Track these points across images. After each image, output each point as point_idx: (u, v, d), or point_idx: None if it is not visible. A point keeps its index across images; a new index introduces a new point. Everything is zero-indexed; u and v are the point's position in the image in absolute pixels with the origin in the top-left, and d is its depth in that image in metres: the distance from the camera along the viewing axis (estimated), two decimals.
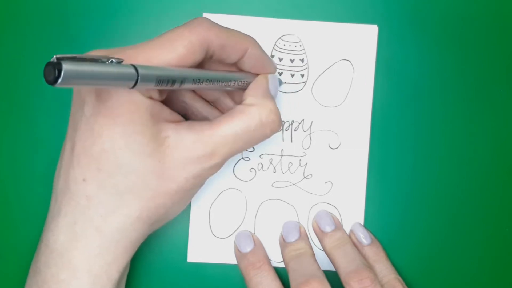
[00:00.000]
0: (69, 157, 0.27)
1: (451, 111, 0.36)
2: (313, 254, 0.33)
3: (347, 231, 0.35)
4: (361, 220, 0.36)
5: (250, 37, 0.30)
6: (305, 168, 0.36)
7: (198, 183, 0.28)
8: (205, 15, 0.35)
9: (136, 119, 0.26)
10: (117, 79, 0.22)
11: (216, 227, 0.35)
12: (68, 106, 0.35)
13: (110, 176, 0.26)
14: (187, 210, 0.35)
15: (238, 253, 0.34)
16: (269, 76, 0.31)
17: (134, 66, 0.23)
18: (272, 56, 0.35)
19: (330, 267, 0.33)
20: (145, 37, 0.35)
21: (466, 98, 0.36)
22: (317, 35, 0.35)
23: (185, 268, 0.35)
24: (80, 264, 0.27)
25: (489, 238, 0.36)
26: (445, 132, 0.36)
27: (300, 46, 0.35)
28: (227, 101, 0.33)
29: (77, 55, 0.22)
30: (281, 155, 0.36)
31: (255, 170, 0.36)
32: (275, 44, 0.35)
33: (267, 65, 0.31)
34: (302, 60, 0.35)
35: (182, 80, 0.26)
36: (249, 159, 0.35)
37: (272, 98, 0.30)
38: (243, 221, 0.36)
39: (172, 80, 0.25)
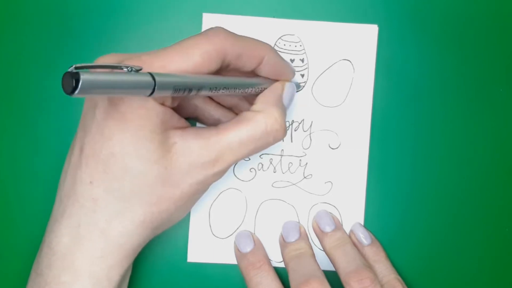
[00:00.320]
0: (78, 158, 0.27)
1: (451, 111, 0.36)
2: (313, 254, 0.33)
3: (347, 231, 0.35)
4: (361, 220, 0.36)
5: (267, 44, 0.30)
6: (305, 168, 0.36)
7: (201, 189, 0.28)
8: (205, 15, 0.35)
9: (146, 125, 0.26)
10: (135, 88, 0.22)
11: (216, 227, 0.35)
12: (70, 106, 0.35)
13: (117, 180, 0.26)
14: None
15: (238, 253, 0.34)
16: (286, 84, 0.31)
17: (151, 74, 0.23)
18: None
19: (330, 267, 0.33)
20: (145, 37, 0.35)
21: (466, 98, 0.36)
22: (317, 35, 0.35)
23: (185, 268, 0.35)
24: (82, 267, 0.27)
25: (489, 238, 0.36)
26: (445, 132, 0.36)
27: (300, 46, 0.35)
28: (246, 106, 0.33)
29: (96, 64, 0.22)
30: (281, 155, 0.36)
31: (255, 170, 0.36)
32: (275, 44, 0.35)
33: (285, 71, 0.31)
34: (302, 60, 0.35)
35: (199, 88, 0.26)
36: (249, 159, 0.35)
37: (281, 106, 0.30)
38: (243, 221, 0.36)
39: (189, 88, 0.25)
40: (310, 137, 0.36)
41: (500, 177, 0.36)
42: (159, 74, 0.23)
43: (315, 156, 0.36)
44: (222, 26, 0.28)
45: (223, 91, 0.27)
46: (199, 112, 0.32)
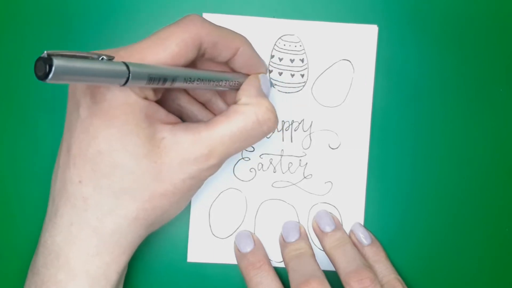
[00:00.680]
0: (65, 158, 0.27)
1: (451, 111, 0.36)
2: (313, 254, 0.33)
3: (347, 231, 0.35)
4: (361, 220, 0.36)
5: (242, 36, 0.30)
6: (305, 168, 0.36)
7: (195, 184, 0.28)
8: (205, 15, 0.35)
9: (130, 120, 0.26)
10: (109, 76, 0.23)
11: (216, 227, 0.35)
12: None
13: (106, 177, 0.26)
14: (187, 210, 0.35)
15: (238, 253, 0.34)
16: (261, 76, 0.31)
17: (125, 63, 0.23)
18: (272, 56, 0.35)
19: (330, 267, 0.33)
20: (145, 37, 0.35)
21: (466, 98, 0.36)
22: (317, 35, 0.35)
23: (185, 268, 0.35)
24: (78, 265, 0.27)
25: (489, 238, 0.36)
26: (445, 132, 0.36)
27: (300, 46, 0.35)
28: (219, 103, 0.33)
29: (68, 52, 0.22)
30: (281, 155, 0.36)
31: (255, 170, 0.36)
32: (275, 44, 0.35)
33: (258, 65, 0.31)
34: (302, 60, 0.35)
35: (174, 78, 0.26)
36: (249, 159, 0.35)
37: (266, 96, 0.30)
38: (243, 221, 0.36)
39: (164, 78, 0.25)
40: (310, 137, 0.36)
41: (500, 177, 0.36)
42: (133, 64, 0.24)
43: (315, 156, 0.36)
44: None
45: (198, 83, 0.28)
46: (183, 112, 0.32)
